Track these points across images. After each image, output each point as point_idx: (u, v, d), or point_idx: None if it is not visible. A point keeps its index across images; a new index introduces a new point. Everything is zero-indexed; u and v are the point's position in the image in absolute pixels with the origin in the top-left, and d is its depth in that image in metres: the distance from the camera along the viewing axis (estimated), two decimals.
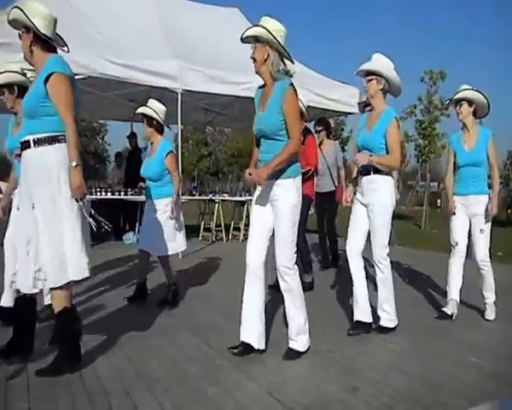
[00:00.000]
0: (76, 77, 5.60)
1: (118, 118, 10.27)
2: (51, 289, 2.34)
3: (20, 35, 2.37)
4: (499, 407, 2.14)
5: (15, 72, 3.06)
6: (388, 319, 3.10)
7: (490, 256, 3.56)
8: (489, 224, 3.49)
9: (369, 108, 3.63)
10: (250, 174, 2.46)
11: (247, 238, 2.66)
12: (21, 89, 2.97)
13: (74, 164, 2.26)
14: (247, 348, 2.61)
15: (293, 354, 2.61)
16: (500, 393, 2.25)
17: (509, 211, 14.32)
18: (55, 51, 2.44)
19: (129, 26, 6.78)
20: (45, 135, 2.29)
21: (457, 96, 3.37)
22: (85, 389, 2.17)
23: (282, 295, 2.64)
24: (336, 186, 5.45)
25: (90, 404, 2.04)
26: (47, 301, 3.16)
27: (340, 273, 5.15)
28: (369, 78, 2.97)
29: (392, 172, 3.07)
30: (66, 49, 2.54)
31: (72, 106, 2.31)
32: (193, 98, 7.16)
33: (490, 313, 3.47)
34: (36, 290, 2.33)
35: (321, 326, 3.25)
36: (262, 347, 2.64)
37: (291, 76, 2.61)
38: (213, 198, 8.14)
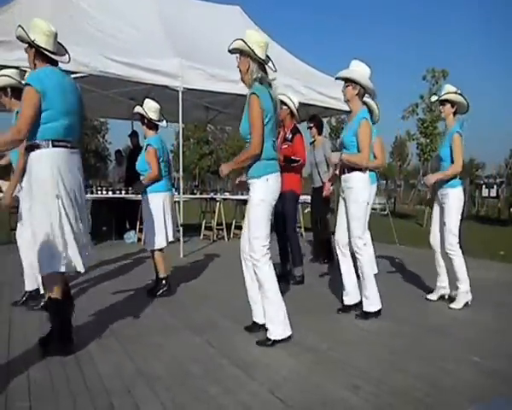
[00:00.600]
0: (77, 75, 5.67)
1: (118, 116, 10.26)
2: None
3: (25, 49, 2.60)
4: (499, 406, 2.15)
5: (7, 75, 3.31)
6: (368, 303, 3.36)
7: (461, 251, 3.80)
8: (454, 214, 3.73)
9: None
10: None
11: None
12: (15, 90, 3.25)
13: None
14: (252, 325, 2.97)
15: (263, 341, 2.78)
16: (500, 391, 2.25)
17: None
18: (56, 63, 2.62)
19: (130, 24, 6.76)
20: (29, 143, 2.48)
21: (443, 98, 3.74)
22: (86, 388, 2.17)
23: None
24: (323, 182, 5.46)
25: (91, 403, 2.03)
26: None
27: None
28: (346, 84, 3.30)
29: (365, 170, 3.31)
30: (67, 59, 2.69)
31: (26, 120, 2.40)
32: (194, 96, 7.15)
33: (454, 302, 3.72)
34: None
35: (321, 325, 3.25)
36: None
37: (269, 85, 2.83)
38: (215, 197, 8.13)
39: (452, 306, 3.70)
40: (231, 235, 8.09)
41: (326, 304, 3.83)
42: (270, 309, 2.78)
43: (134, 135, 8.28)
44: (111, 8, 6.84)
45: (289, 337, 2.81)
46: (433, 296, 3.98)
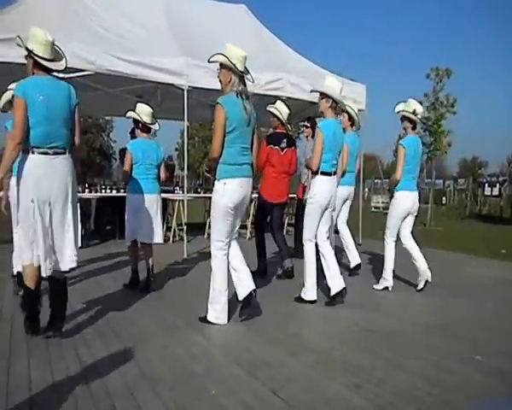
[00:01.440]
0: (83, 73, 5.67)
1: (124, 114, 10.27)
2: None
3: (25, 57, 2.75)
4: (500, 405, 2.15)
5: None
6: (304, 291, 3.75)
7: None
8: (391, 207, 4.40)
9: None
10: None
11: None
12: None
13: None
14: (247, 301, 3.16)
15: (202, 319, 3.16)
16: (502, 390, 2.25)
17: None
18: (52, 71, 2.77)
19: (136, 22, 6.77)
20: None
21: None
22: (89, 389, 2.16)
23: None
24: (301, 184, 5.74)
25: (93, 404, 2.03)
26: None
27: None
28: (321, 97, 3.71)
29: (310, 173, 3.79)
30: (63, 65, 2.83)
31: (17, 125, 2.59)
32: (199, 95, 7.15)
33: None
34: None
35: (322, 324, 3.25)
36: (253, 287, 3.20)
37: (247, 97, 3.18)
38: None
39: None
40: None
41: (330, 306, 3.84)
42: (212, 291, 3.16)
43: (134, 132, 8.28)
44: (117, 7, 6.85)
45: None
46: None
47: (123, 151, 9.37)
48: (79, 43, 5.50)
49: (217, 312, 3.13)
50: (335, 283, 3.67)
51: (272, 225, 4.96)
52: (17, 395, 2.09)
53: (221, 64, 3.08)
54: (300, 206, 5.85)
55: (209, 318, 3.14)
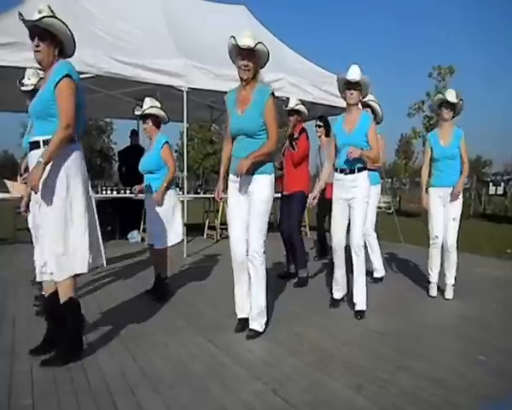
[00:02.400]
0: (82, 76, 5.68)
1: (123, 116, 10.30)
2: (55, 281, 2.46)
3: (38, 42, 2.40)
4: (506, 405, 2.13)
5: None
6: (362, 302, 3.45)
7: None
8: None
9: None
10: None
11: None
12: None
13: (40, 159, 2.31)
14: (242, 323, 2.98)
15: (253, 334, 2.89)
16: (506, 391, 2.23)
17: None
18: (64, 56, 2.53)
19: (135, 24, 6.77)
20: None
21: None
22: (89, 387, 2.18)
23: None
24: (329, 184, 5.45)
25: (93, 402, 2.04)
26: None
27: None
28: (357, 87, 3.33)
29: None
30: (73, 49, 2.61)
31: (73, 113, 2.37)
32: (198, 96, 7.15)
33: (449, 292, 3.93)
34: (40, 280, 2.50)
35: (324, 324, 3.24)
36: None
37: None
38: None
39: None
40: None
41: (329, 303, 3.83)
42: (262, 302, 2.93)
43: (135, 134, 8.30)
44: (116, 10, 6.85)
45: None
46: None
47: (122, 153, 9.39)
48: (78, 45, 5.49)
49: (264, 318, 2.98)
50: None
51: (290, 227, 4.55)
52: (20, 394, 2.10)
53: (254, 51, 2.79)
54: (325, 206, 5.70)
55: (260, 329, 2.94)
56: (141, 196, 4.08)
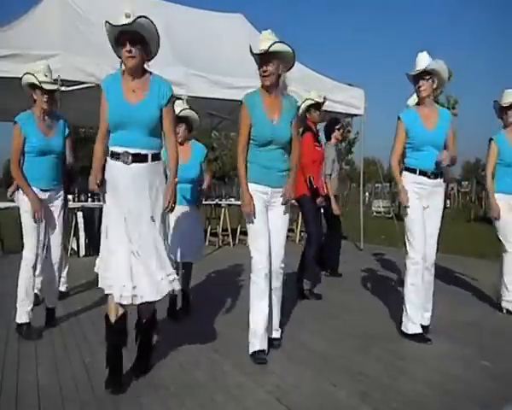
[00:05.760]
0: (84, 85, 5.70)
1: None
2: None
3: (130, 47, 2.31)
4: None
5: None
6: (428, 317, 3.15)
7: None
8: None
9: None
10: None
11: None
12: (51, 92, 3.13)
13: (171, 180, 2.35)
14: (264, 354, 2.69)
15: (278, 343, 2.86)
16: (510, 397, 2.22)
17: None
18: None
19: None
20: (157, 151, 2.36)
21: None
22: (94, 395, 2.18)
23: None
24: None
25: None
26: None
27: (344, 281, 5.13)
28: (428, 77, 2.90)
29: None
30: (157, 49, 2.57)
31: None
32: (198, 104, 7.17)
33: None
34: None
35: (329, 331, 3.23)
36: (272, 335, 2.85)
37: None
38: (220, 203, 8.14)
39: None
40: (236, 241, 8.09)
41: (333, 310, 3.82)
42: (280, 314, 2.89)
43: None
44: (116, 20, 6.91)
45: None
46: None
47: None
48: (79, 56, 5.55)
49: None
50: None
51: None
52: (26, 402, 2.12)
53: (276, 56, 2.56)
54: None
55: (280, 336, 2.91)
56: None
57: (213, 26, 7.85)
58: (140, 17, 2.26)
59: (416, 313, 2.99)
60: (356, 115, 8.33)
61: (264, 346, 2.68)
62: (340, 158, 5.18)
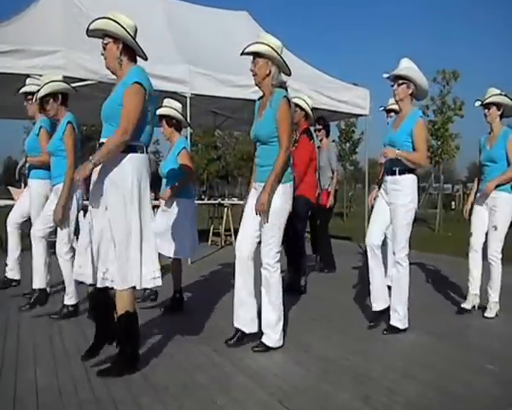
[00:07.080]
0: (86, 82, 5.67)
1: None
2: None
3: (105, 44, 2.46)
4: None
5: (60, 81, 3.32)
6: (397, 318, 3.13)
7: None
8: (505, 221, 3.63)
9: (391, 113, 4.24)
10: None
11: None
12: (65, 96, 3.27)
13: (91, 158, 2.28)
14: (240, 336, 2.83)
15: (261, 347, 2.76)
16: None
17: None
18: (135, 62, 2.52)
19: (138, 31, 6.81)
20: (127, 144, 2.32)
21: (487, 101, 3.61)
22: (94, 397, 2.15)
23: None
24: (323, 188, 5.26)
25: None
26: (66, 300, 3.41)
27: (347, 282, 5.08)
28: (400, 82, 3.07)
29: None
30: (144, 57, 2.60)
31: (135, 119, 2.30)
32: (202, 102, 7.16)
33: (490, 311, 3.58)
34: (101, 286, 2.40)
35: (331, 333, 3.20)
36: (253, 330, 2.83)
37: (286, 89, 2.74)
38: (223, 202, 8.11)
39: (487, 315, 3.56)
40: None
41: (335, 312, 3.78)
42: (273, 316, 2.76)
43: None
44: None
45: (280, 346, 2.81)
46: (467, 305, 3.73)
47: None
48: (82, 53, 5.53)
49: (277, 333, 2.80)
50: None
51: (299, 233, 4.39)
52: (24, 402, 2.10)
53: (258, 55, 2.65)
54: (324, 215, 5.46)
55: (269, 343, 2.77)
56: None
57: (218, 23, 7.83)
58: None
59: (376, 294, 3.23)
60: (361, 115, 8.28)
61: (236, 325, 2.83)
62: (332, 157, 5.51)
